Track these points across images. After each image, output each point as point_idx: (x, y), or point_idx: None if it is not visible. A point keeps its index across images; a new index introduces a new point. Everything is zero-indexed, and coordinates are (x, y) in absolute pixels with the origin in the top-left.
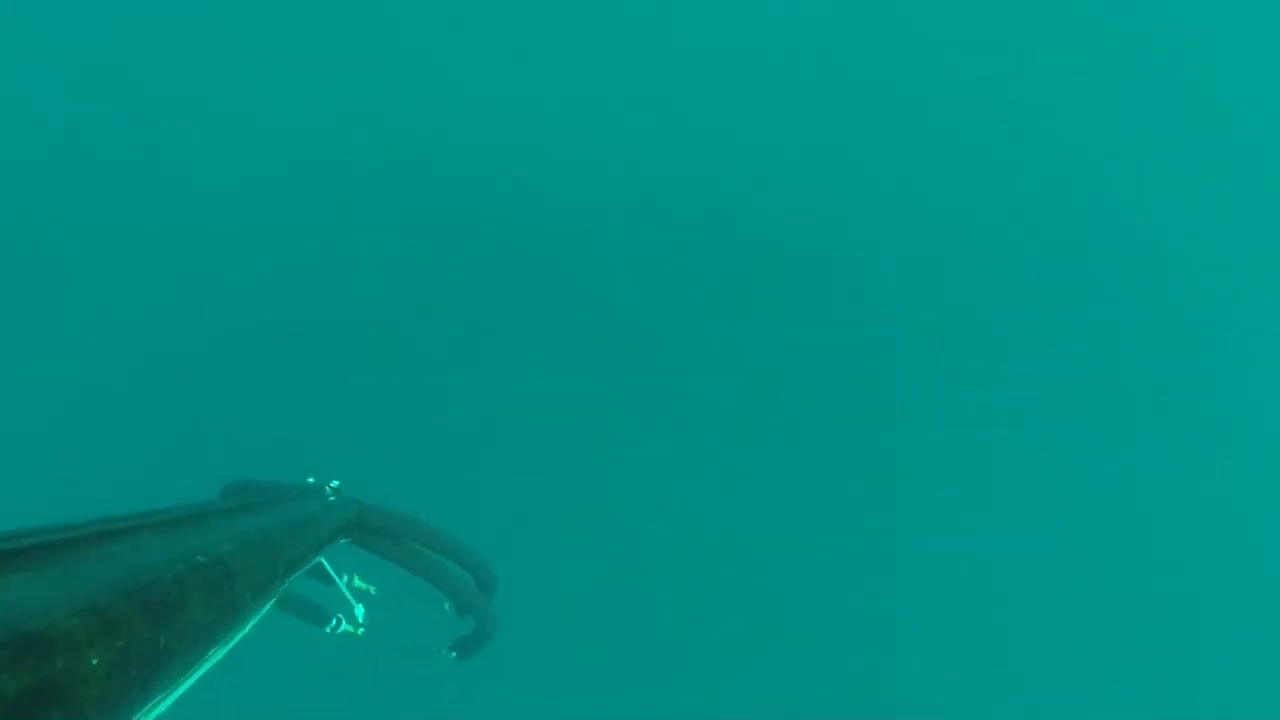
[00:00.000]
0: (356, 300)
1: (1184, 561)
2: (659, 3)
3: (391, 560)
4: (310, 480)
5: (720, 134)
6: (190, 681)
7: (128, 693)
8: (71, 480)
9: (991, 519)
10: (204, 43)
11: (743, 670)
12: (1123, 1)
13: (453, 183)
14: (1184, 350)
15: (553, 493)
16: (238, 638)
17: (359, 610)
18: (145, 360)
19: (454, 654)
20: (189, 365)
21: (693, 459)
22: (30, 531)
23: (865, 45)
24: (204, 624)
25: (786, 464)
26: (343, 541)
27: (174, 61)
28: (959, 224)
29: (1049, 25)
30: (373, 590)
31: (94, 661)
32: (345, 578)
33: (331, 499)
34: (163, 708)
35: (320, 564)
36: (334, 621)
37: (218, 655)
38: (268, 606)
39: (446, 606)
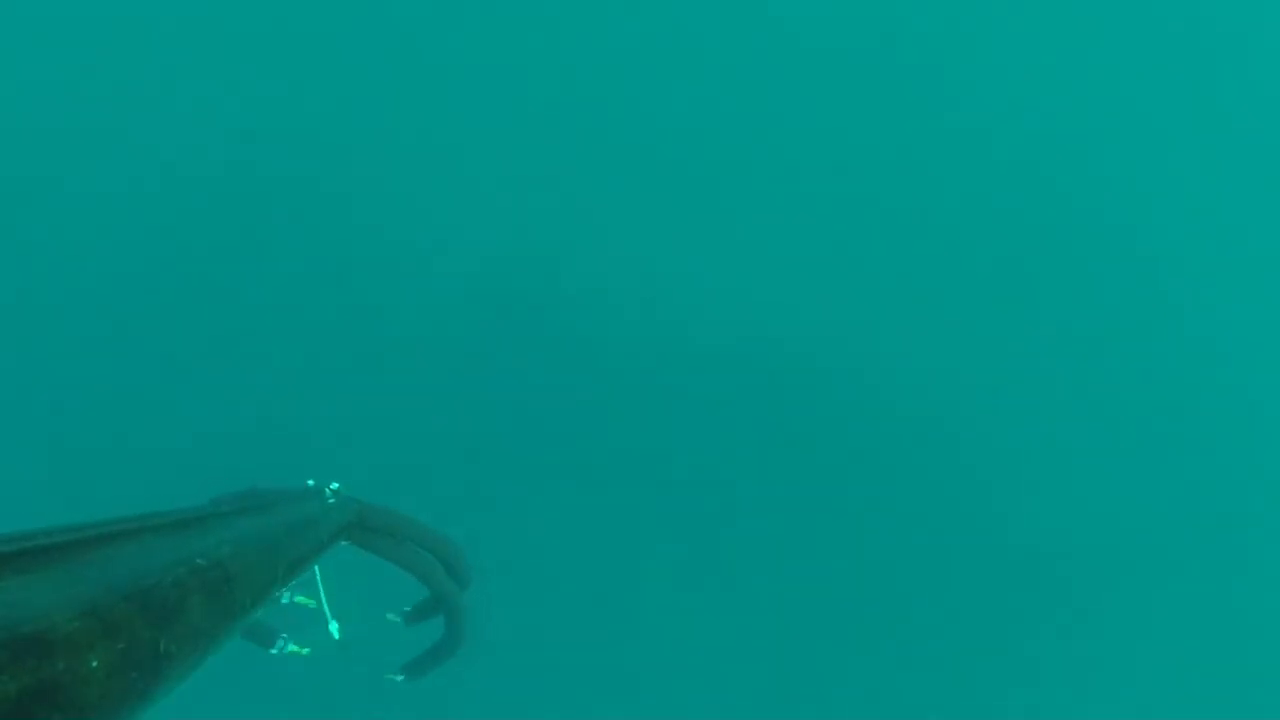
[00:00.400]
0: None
1: None
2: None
3: (391, 560)
4: (310, 483)
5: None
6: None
7: (128, 695)
8: (72, 480)
9: None
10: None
11: None
12: (1123, 2)
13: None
14: None
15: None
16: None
17: (333, 626)
18: (144, 359)
19: (401, 677)
20: (189, 365)
21: None
22: (32, 534)
23: None
24: (204, 627)
25: None
26: (342, 543)
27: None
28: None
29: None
30: (312, 604)
31: (94, 664)
32: (288, 596)
33: (331, 501)
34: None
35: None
36: (280, 642)
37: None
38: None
39: (389, 616)
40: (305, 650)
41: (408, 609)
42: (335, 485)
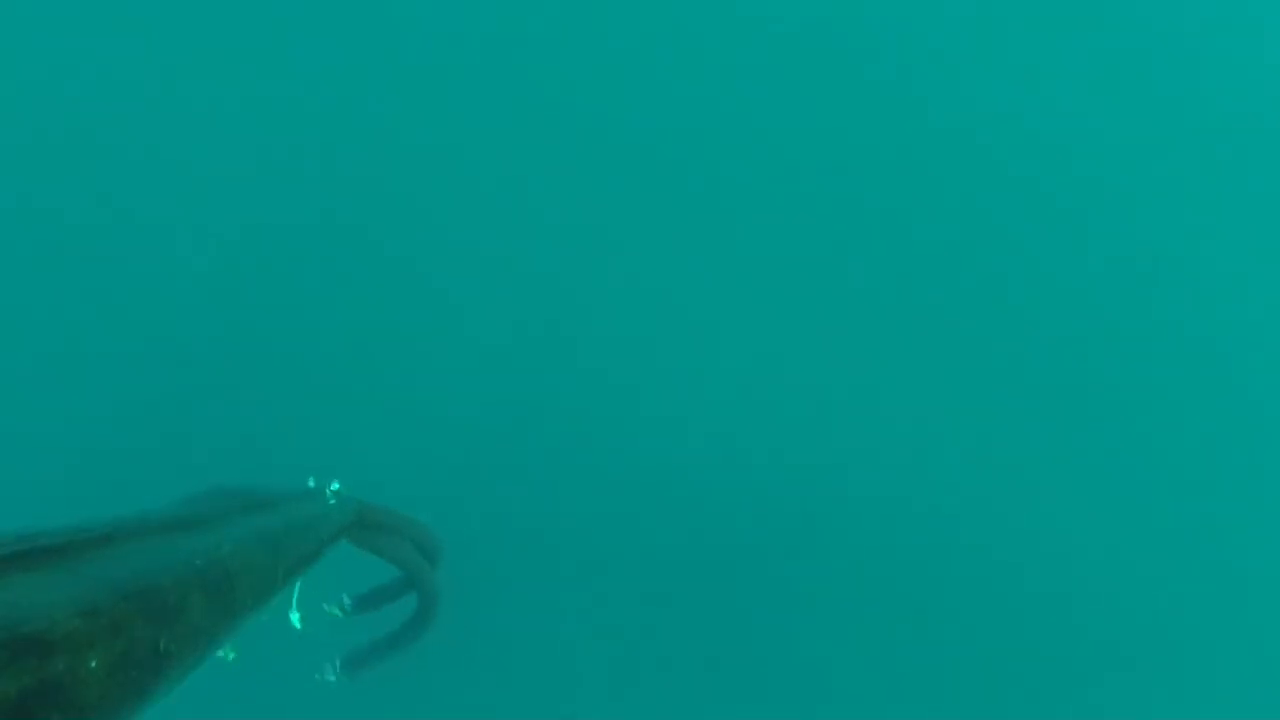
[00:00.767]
0: None
1: None
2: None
3: (391, 560)
4: (311, 483)
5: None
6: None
7: (127, 695)
8: (71, 480)
9: None
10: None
11: None
12: (1123, 4)
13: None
14: None
15: None
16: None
17: (295, 616)
18: (143, 359)
19: (333, 677)
20: (188, 366)
21: None
22: (32, 534)
23: None
24: (204, 627)
25: None
26: (343, 542)
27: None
28: None
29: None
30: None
31: (94, 663)
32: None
33: (332, 501)
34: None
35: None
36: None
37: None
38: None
39: (327, 608)
40: (231, 656)
41: (350, 599)
42: (336, 485)
